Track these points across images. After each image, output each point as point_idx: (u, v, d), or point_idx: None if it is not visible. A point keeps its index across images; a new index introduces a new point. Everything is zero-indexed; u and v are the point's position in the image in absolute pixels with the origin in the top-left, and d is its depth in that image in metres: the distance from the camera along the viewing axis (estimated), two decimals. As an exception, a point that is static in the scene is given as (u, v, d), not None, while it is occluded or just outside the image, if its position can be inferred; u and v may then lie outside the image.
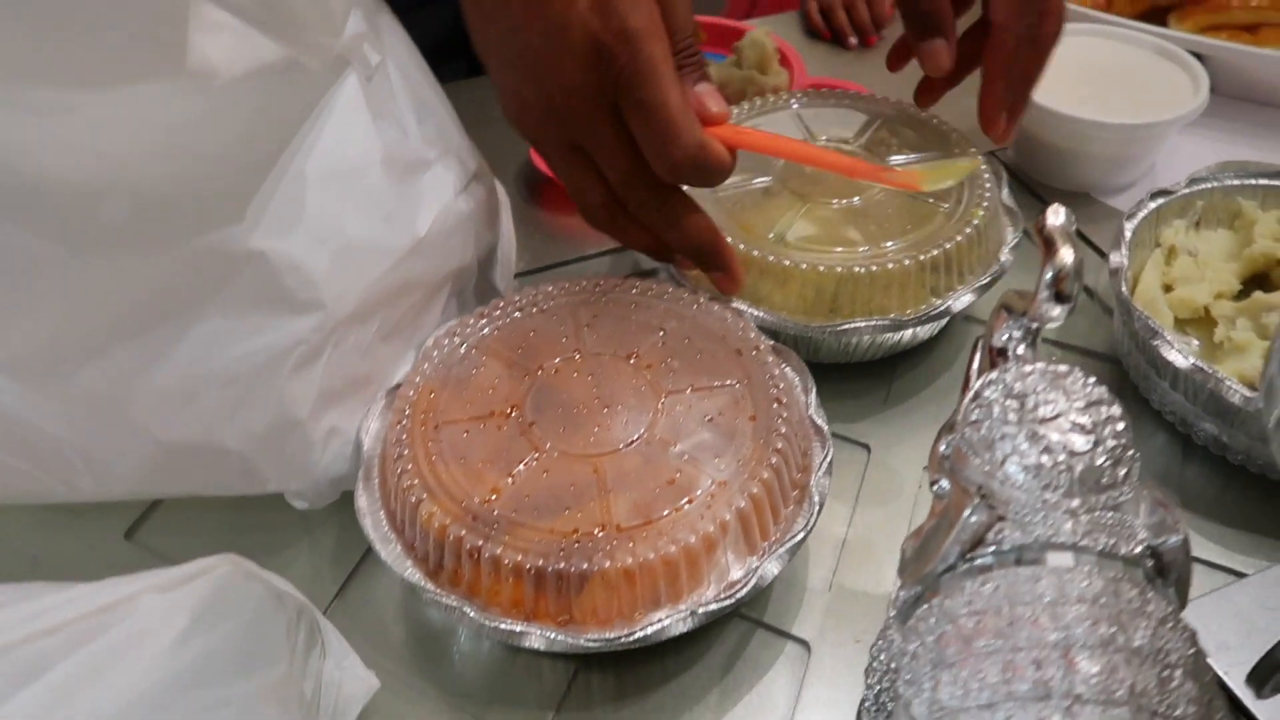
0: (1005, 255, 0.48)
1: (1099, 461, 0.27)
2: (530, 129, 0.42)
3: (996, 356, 0.34)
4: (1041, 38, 0.47)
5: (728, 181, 0.50)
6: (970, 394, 0.30)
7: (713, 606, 0.34)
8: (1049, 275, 0.31)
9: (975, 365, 0.35)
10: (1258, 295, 0.47)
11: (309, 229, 0.35)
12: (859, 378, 0.49)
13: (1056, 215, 0.32)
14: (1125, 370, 0.48)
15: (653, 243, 0.44)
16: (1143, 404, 0.47)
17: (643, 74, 0.38)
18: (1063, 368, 0.30)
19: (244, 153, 0.33)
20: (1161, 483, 0.45)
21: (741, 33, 0.72)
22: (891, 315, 0.45)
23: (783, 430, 0.37)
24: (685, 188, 0.43)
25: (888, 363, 0.50)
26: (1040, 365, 0.30)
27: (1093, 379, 0.30)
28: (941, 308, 0.46)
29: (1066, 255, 0.31)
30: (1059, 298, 0.31)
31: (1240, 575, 0.40)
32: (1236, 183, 0.52)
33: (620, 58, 0.38)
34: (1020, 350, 0.34)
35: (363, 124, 0.38)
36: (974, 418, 0.29)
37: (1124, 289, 0.45)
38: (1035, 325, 0.32)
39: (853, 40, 0.76)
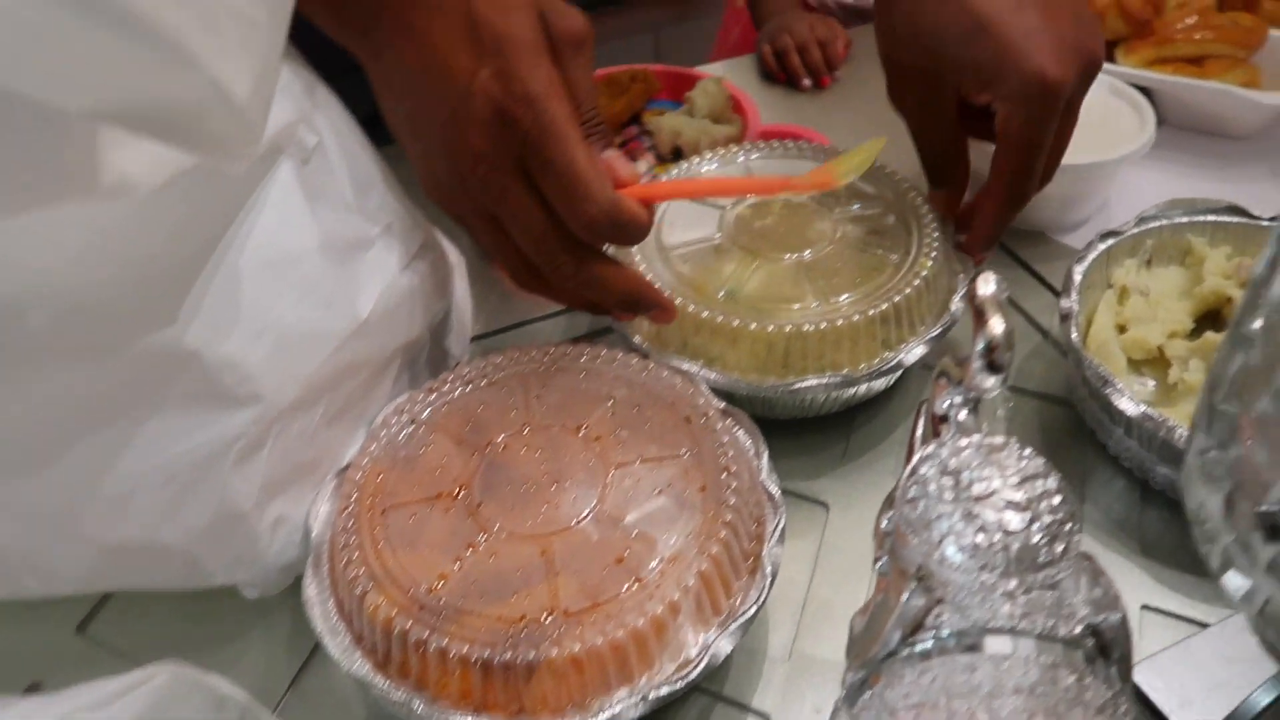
0: (956, 304, 0.48)
1: (1035, 539, 0.27)
2: (445, 201, 0.42)
3: (938, 424, 0.34)
4: (1055, 149, 0.46)
5: (678, 241, 0.50)
6: (908, 470, 0.30)
7: (664, 690, 0.33)
8: (980, 346, 0.31)
9: (919, 433, 0.35)
10: (1209, 335, 0.47)
11: (245, 323, 0.35)
12: (815, 432, 0.49)
13: (987, 284, 0.32)
14: (1082, 414, 0.48)
15: (582, 301, 0.44)
16: (1100, 448, 0.47)
17: (548, 134, 0.38)
18: (998, 439, 0.30)
19: (174, 254, 0.33)
20: (1120, 528, 0.44)
21: (696, 80, 0.72)
22: (845, 371, 0.45)
23: (732, 501, 0.37)
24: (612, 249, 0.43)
25: (845, 415, 0.50)
26: (976, 438, 0.30)
27: (1029, 450, 0.30)
28: (894, 362, 0.46)
29: (996, 326, 0.31)
30: (992, 368, 0.31)
31: (1202, 625, 0.40)
32: (1185, 220, 0.52)
33: (524, 121, 0.38)
34: (962, 416, 0.33)
35: (299, 210, 0.38)
36: (911, 495, 0.29)
37: (1074, 336, 0.45)
38: (972, 395, 0.32)
39: (806, 82, 0.77)
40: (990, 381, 0.31)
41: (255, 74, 0.31)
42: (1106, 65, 0.65)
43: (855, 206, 0.52)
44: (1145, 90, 0.62)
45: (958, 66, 0.44)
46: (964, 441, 0.30)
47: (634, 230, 0.40)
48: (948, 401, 0.33)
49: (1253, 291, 0.23)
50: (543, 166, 0.39)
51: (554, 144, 0.38)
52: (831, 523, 0.45)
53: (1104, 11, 0.66)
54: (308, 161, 0.41)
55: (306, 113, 0.42)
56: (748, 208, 0.52)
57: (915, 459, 0.30)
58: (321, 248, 0.39)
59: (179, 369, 0.34)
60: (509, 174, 0.40)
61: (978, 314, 0.31)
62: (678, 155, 0.69)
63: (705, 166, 0.55)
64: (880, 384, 0.49)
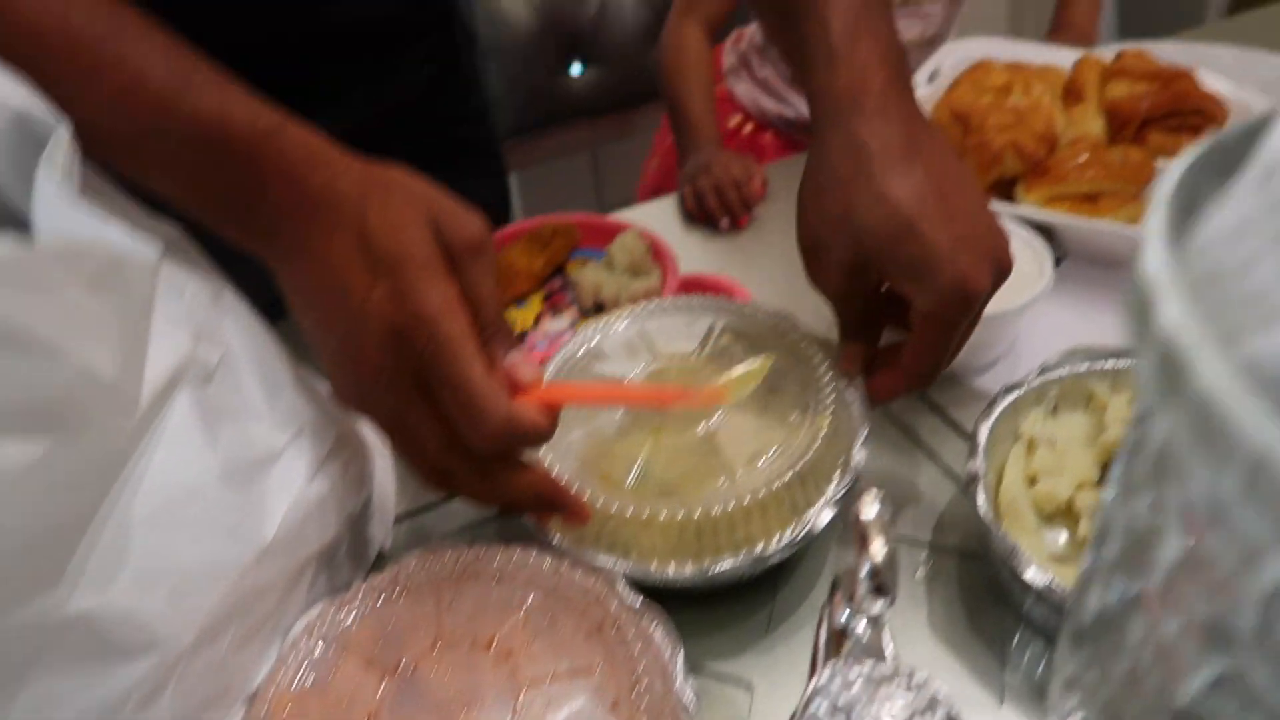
0: (857, 454, 0.49)
1: (923, 783, 0.27)
2: (353, 407, 0.43)
3: (839, 638, 0.34)
4: (965, 328, 0.48)
5: (582, 424, 0.51)
6: (802, 704, 0.30)
7: None
8: (865, 572, 0.31)
9: (821, 641, 0.35)
10: (1113, 489, 0.48)
11: (138, 572, 0.35)
12: (735, 602, 0.49)
13: (869, 509, 0.32)
14: (998, 575, 0.49)
15: (494, 503, 0.45)
16: (1018, 609, 0.48)
17: (442, 353, 0.39)
18: (887, 668, 0.30)
19: (57, 517, 0.33)
20: (1042, 693, 0.45)
21: (618, 229, 0.74)
22: (758, 547, 0.45)
23: None
24: None
25: (766, 581, 0.50)
26: (869, 666, 0.30)
27: (921, 677, 0.30)
28: (804, 532, 0.46)
29: (879, 552, 0.31)
30: (878, 591, 0.31)
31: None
32: (1086, 368, 0.53)
33: (418, 340, 0.39)
34: (861, 629, 0.34)
35: (197, 441, 0.38)
36: (804, 736, 0.29)
37: (980, 502, 0.46)
38: (863, 615, 0.33)
39: (724, 223, 0.79)
40: (877, 605, 0.31)
41: (123, 352, 0.32)
42: (1006, 206, 0.68)
43: (752, 356, 0.53)
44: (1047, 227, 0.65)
45: (884, 262, 0.46)
46: (854, 673, 0.30)
47: (533, 440, 0.41)
48: (845, 615, 0.34)
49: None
50: (439, 384, 0.39)
51: (448, 362, 0.39)
52: (757, 708, 0.45)
53: (1001, 151, 0.69)
54: (210, 379, 0.41)
55: (209, 328, 0.43)
56: (645, 379, 0.53)
57: (809, 691, 0.30)
58: (222, 475, 0.39)
59: (69, 631, 0.33)
60: (407, 390, 0.40)
61: (860, 538, 0.32)
62: (600, 308, 0.70)
63: (612, 330, 0.56)
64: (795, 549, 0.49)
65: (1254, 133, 0.17)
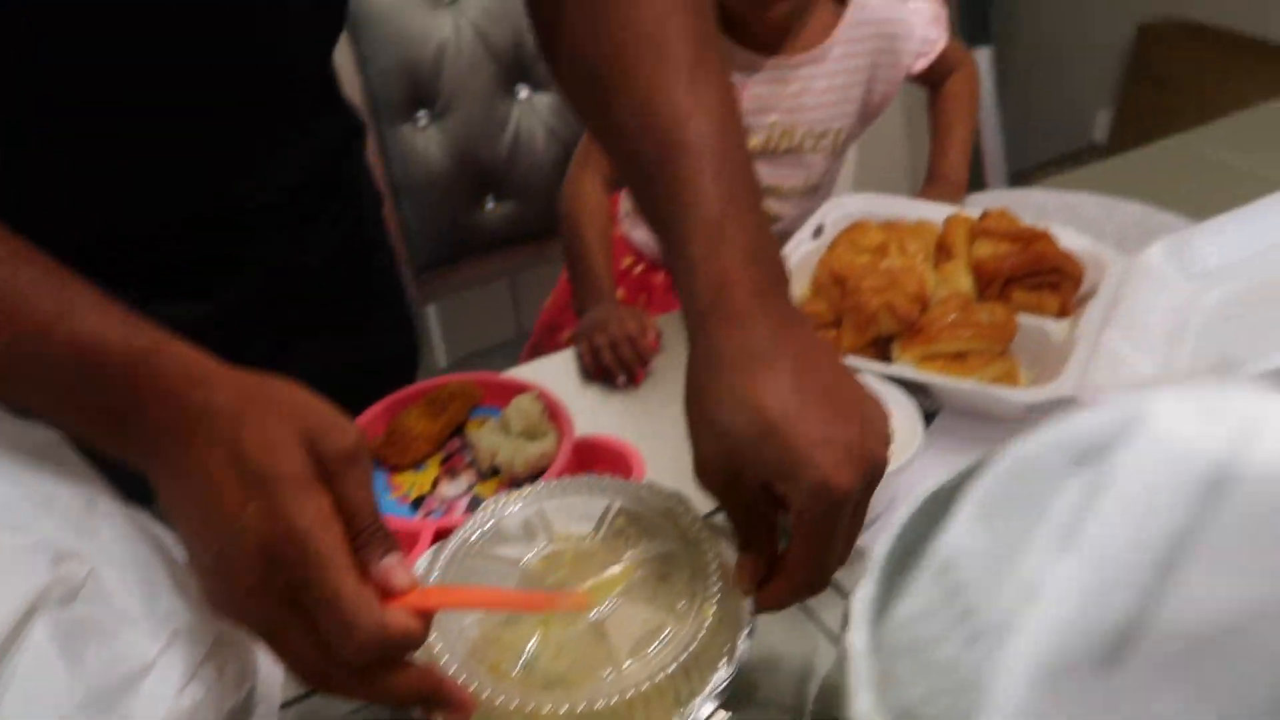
0: (742, 644, 0.50)
1: None
2: (226, 618, 0.43)
3: None
4: (849, 535, 0.48)
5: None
6: None
7: None
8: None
9: None
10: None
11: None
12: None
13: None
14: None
15: (376, 701, 0.45)
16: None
17: (313, 570, 0.40)
18: None
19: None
20: None
21: (517, 389, 0.76)
22: (641, 740, 0.46)
23: None
24: None
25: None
26: None
27: None
28: (688, 722, 0.47)
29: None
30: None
31: None
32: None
33: (290, 557, 0.40)
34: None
35: (55, 673, 0.38)
36: None
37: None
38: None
39: (621, 379, 0.81)
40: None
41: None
42: (880, 367, 0.71)
43: (643, 546, 0.54)
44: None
45: (752, 465, 0.47)
46: None
47: (405, 648, 0.41)
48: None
49: None
50: (310, 602, 0.40)
51: (319, 578, 0.40)
52: None
53: (877, 312, 0.73)
54: (75, 597, 0.41)
55: (78, 542, 0.43)
56: (540, 561, 0.54)
57: None
58: (84, 703, 0.39)
59: None
60: (280, 604, 0.41)
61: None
62: (497, 471, 0.71)
63: (510, 509, 0.57)
64: (679, 738, 0.50)
65: (961, 483, 0.20)
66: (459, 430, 0.76)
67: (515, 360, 1.34)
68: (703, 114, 0.52)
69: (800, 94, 0.98)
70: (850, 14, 0.99)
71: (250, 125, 0.68)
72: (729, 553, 0.53)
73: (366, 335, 0.87)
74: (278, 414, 0.43)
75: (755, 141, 0.99)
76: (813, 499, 0.45)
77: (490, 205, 1.47)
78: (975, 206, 0.97)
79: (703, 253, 0.49)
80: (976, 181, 2.12)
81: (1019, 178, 3.13)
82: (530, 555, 0.54)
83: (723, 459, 0.48)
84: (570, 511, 0.57)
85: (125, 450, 0.44)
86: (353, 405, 0.74)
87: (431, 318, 1.80)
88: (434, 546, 0.56)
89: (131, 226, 0.66)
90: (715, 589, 0.51)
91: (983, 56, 1.84)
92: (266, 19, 0.63)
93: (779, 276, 0.51)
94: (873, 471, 0.46)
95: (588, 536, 0.56)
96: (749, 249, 0.50)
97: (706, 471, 0.49)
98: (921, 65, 1.01)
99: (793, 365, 0.46)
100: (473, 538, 0.56)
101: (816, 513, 0.45)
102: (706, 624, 0.49)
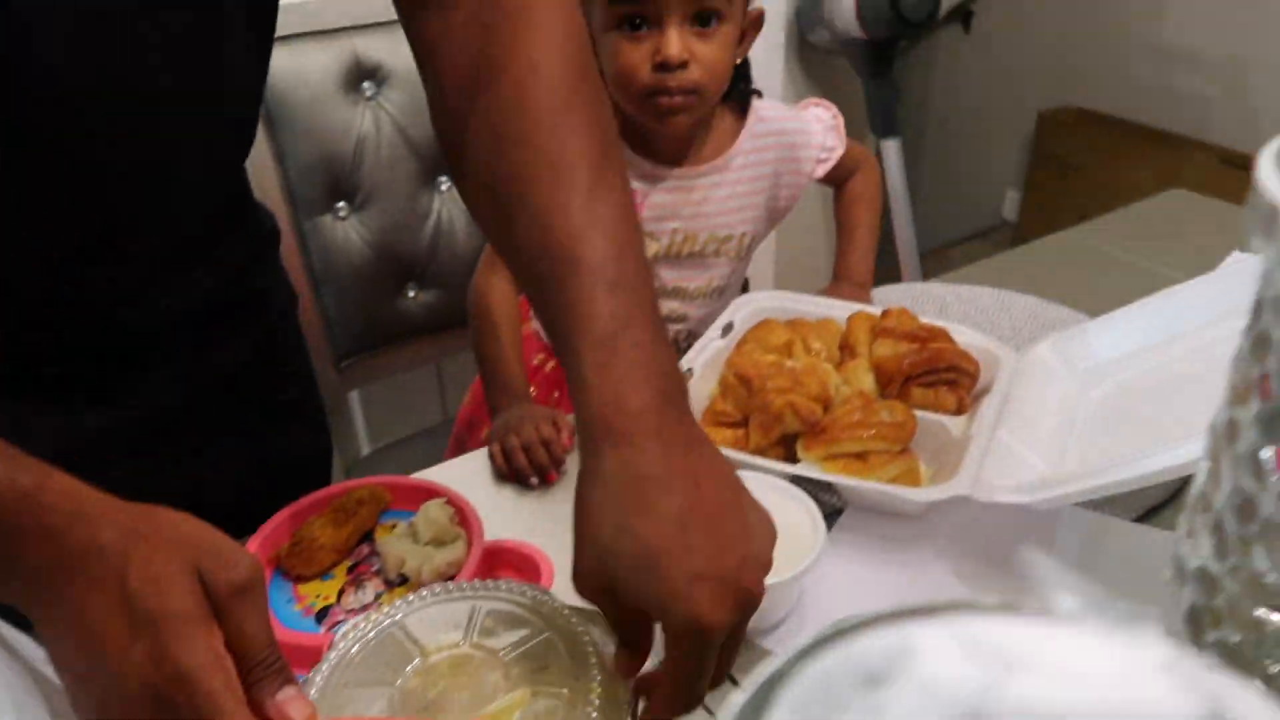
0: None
1: None
2: None
3: None
4: (725, 658, 0.48)
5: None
6: None
7: None
8: None
9: None
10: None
11: None
12: None
13: None
14: None
15: None
16: None
17: (203, 712, 0.39)
18: None
19: None
20: None
21: (427, 492, 0.75)
22: None
23: None
24: None
25: None
26: None
27: None
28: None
29: None
30: None
31: None
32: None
33: (178, 699, 0.39)
34: None
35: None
36: None
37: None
38: None
39: (534, 480, 0.81)
40: None
41: None
42: (785, 467, 0.73)
43: (518, 635, 0.54)
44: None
45: (629, 589, 0.47)
46: None
47: None
48: None
49: None
50: None
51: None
52: None
53: (781, 412, 0.75)
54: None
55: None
56: (417, 676, 0.53)
57: None
58: None
59: None
60: None
61: None
62: (405, 579, 0.70)
63: (384, 623, 0.56)
64: None
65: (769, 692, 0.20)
66: (369, 536, 0.75)
67: (442, 445, 1.33)
68: (599, 233, 0.53)
69: (702, 202, 1.01)
70: (751, 124, 1.02)
71: (154, 248, 0.67)
72: (601, 636, 0.53)
73: (278, 438, 0.86)
74: (166, 549, 0.42)
75: (658, 247, 1.01)
76: (684, 633, 0.45)
77: (412, 293, 1.47)
78: (880, 303, 1.01)
79: (594, 371, 0.49)
80: (892, 263, 2.19)
81: (939, 254, 3.25)
82: (407, 672, 0.53)
83: (602, 577, 0.48)
84: (434, 622, 0.56)
85: (5, 591, 0.43)
86: (264, 508, 0.73)
87: (354, 405, 1.78)
88: (303, 678, 0.54)
89: (34, 337, 0.65)
90: (596, 677, 0.51)
91: (891, 148, 1.92)
92: (171, 146, 0.63)
93: (674, 394, 0.51)
94: (747, 605, 0.47)
95: (459, 642, 0.55)
96: (642, 367, 0.50)
97: (585, 585, 0.50)
98: (822, 171, 1.05)
99: (680, 492, 0.47)
100: (340, 664, 0.54)
101: (688, 645, 0.45)
102: (593, 716, 0.49)
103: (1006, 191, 3.31)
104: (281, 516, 0.73)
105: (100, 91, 0.56)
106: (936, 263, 3.21)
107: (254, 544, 0.71)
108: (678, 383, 0.53)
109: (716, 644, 0.46)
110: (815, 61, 2.02)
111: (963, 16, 3.22)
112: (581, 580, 0.50)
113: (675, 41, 0.88)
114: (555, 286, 0.53)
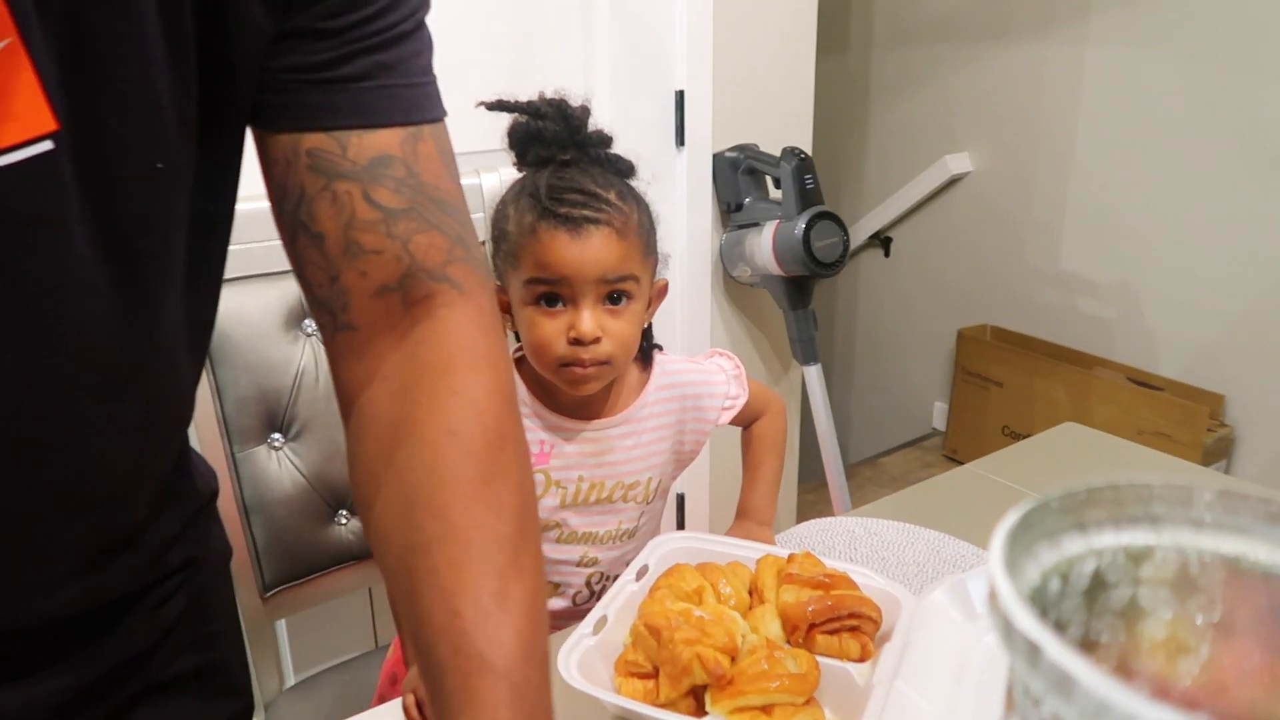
0: None
1: None
2: None
3: None
4: None
5: None
6: None
7: None
8: None
9: None
10: None
11: None
12: None
13: None
14: None
15: None
16: None
17: None
18: None
19: None
20: None
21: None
22: None
23: None
24: None
25: None
26: None
27: None
28: None
29: None
30: None
31: None
32: None
33: None
34: None
35: None
36: None
37: None
38: None
39: (447, 736, 0.81)
40: None
41: None
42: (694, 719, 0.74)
43: None
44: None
45: None
46: None
47: None
48: None
49: None
50: None
51: None
52: None
53: (689, 663, 0.77)
54: None
55: None
56: None
57: None
58: None
59: None
60: None
61: None
62: None
63: None
64: None
65: None
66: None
67: (375, 672, 1.30)
68: (508, 630, 0.53)
69: (609, 452, 1.07)
70: (655, 378, 1.10)
71: (71, 540, 0.64)
72: None
73: (202, 704, 0.83)
74: None
75: (564, 495, 1.06)
76: None
77: (344, 520, 1.48)
78: (794, 539, 1.05)
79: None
80: (817, 475, 2.26)
81: (874, 462, 3.35)
82: None
83: None
84: None
85: None
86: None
87: (281, 634, 1.74)
88: None
89: None
90: None
91: (813, 374, 2.04)
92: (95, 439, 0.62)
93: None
94: None
95: None
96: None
97: None
98: (727, 418, 1.13)
99: None
100: None
101: None
102: None
103: (934, 403, 3.47)
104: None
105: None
106: (874, 471, 3.31)
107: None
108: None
109: None
110: (740, 294, 2.15)
111: (882, 242, 3.48)
112: None
113: (588, 320, 0.96)
114: (458, 682, 0.53)
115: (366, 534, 0.63)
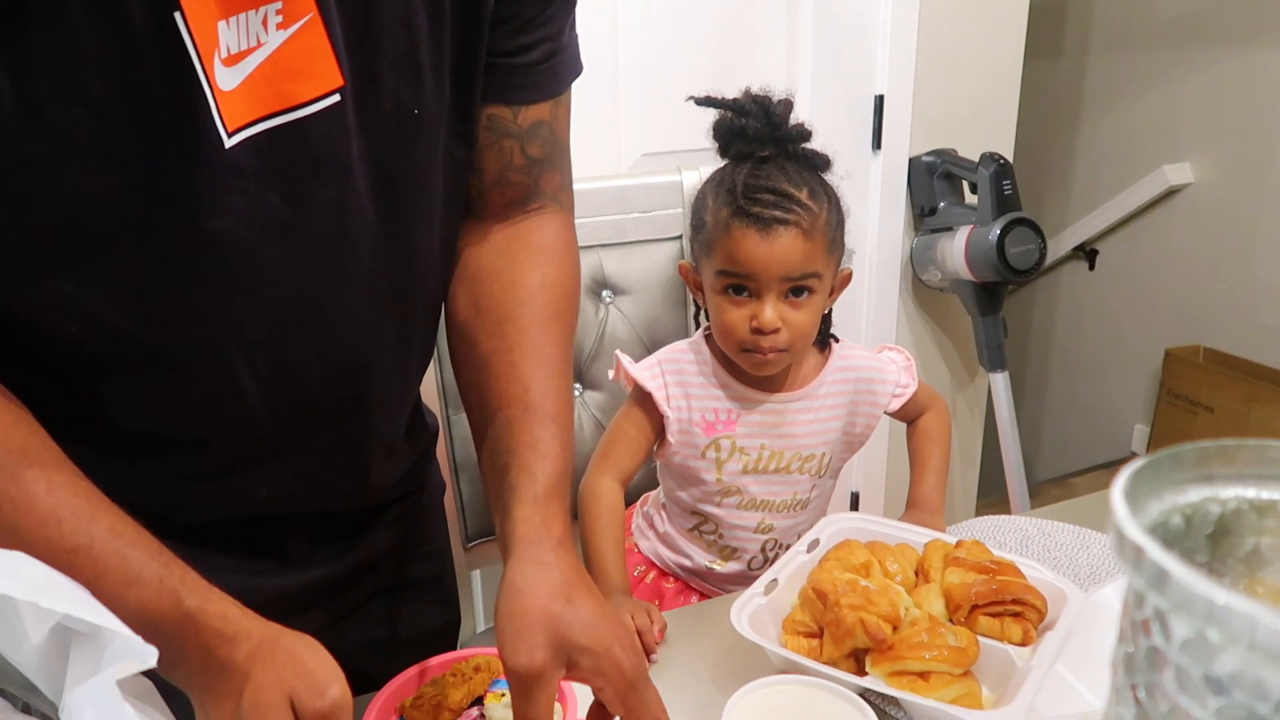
0: None
1: None
2: None
3: None
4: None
5: None
6: None
7: None
8: None
9: None
10: None
11: None
12: None
13: None
14: None
15: None
16: None
17: None
18: None
19: None
20: None
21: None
22: None
23: None
24: None
25: None
26: None
27: None
28: None
29: None
30: None
31: None
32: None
33: None
34: None
35: None
36: None
37: None
38: None
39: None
40: None
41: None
42: (854, 678, 0.80)
43: None
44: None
45: (576, 645, 0.64)
46: None
47: None
48: None
49: None
50: None
51: None
52: None
53: (853, 627, 0.82)
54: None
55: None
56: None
57: None
58: None
59: None
60: None
61: None
62: (508, 743, 0.80)
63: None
64: None
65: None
66: (479, 700, 0.85)
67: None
68: (560, 400, 0.76)
69: (787, 424, 1.15)
70: (833, 361, 1.17)
71: (364, 434, 0.82)
72: None
73: (416, 608, 0.99)
74: (275, 674, 0.55)
75: (747, 462, 1.13)
76: (511, 679, 0.62)
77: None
78: (966, 532, 1.08)
79: (527, 516, 0.69)
80: (1000, 490, 2.22)
81: (1064, 481, 3.22)
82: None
83: (550, 651, 0.63)
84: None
85: (177, 681, 0.57)
86: (397, 665, 0.85)
87: (476, 583, 1.90)
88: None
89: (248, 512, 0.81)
90: None
91: (999, 381, 2.01)
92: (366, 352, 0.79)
93: (568, 528, 0.71)
94: (559, 650, 0.63)
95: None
96: (561, 517, 0.70)
97: (527, 654, 0.63)
98: (897, 404, 1.18)
99: (586, 597, 0.66)
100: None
101: (517, 690, 0.63)
102: None
103: (1134, 425, 3.29)
104: (412, 671, 0.85)
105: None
106: (1061, 490, 3.18)
107: (385, 693, 0.82)
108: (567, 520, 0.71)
109: (535, 689, 0.62)
110: (928, 297, 2.15)
111: (1087, 254, 3.33)
112: (524, 649, 0.62)
113: (770, 312, 1.04)
114: (525, 427, 0.74)
115: (450, 339, 0.83)
